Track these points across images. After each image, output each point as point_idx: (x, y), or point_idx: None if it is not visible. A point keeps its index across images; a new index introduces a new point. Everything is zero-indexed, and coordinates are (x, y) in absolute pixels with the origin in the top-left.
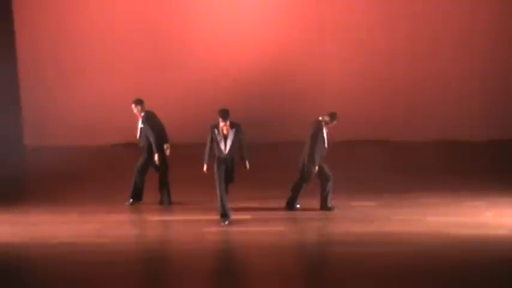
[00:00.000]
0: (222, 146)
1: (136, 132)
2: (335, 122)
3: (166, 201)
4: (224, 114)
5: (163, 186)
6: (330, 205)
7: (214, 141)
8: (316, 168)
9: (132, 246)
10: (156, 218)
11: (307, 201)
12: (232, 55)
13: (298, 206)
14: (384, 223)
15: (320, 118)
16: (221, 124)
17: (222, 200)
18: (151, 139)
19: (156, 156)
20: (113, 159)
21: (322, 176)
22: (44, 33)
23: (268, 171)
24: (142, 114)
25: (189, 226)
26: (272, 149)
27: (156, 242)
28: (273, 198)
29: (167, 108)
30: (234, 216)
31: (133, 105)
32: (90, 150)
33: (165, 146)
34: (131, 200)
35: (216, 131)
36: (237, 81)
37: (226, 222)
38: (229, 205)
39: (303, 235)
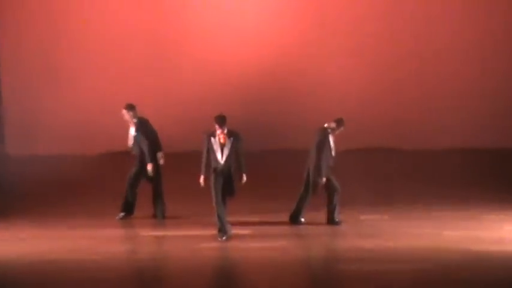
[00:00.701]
0: (219, 156)
1: (128, 140)
2: (342, 129)
3: (160, 215)
4: (221, 121)
5: (157, 198)
6: (337, 219)
7: (210, 151)
8: (324, 179)
9: (124, 264)
10: (150, 233)
11: (313, 215)
12: (230, 57)
13: (302, 220)
14: (396, 238)
15: (326, 125)
16: (218, 132)
17: (219, 214)
18: (145, 148)
19: (149, 166)
20: (103, 169)
21: (329, 188)
22: (30, 32)
23: (270, 181)
24: (135, 120)
25: (184, 242)
26: (274, 157)
27: (150, 259)
28: (275, 211)
29: (161, 113)
30: (233, 231)
31: (124, 111)
32: (79, 159)
33: (159, 155)
34: (122, 213)
35: (212, 140)
36: (235, 84)
37: (224, 238)
38: (227, 219)
39: (308, 251)
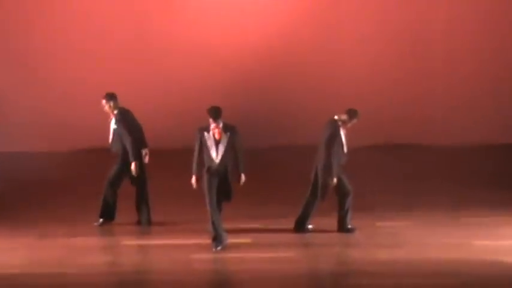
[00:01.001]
0: (213, 154)
1: (109, 135)
2: (355, 121)
3: (145, 221)
4: (215, 113)
5: (142, 202)
6: (349, 226)
7: (203, 148)
8: (335, 180)
9: (103, 278)
10: (133, 241)
11: (322, 221)
12: (228, 41)
13: (310, 227)
14: (417, 248)
15: (336, 117)
16: (212, 126)
17: (214, 220)
18: (127, 144)
19: (133, 165)
20: (79, 168)
21: (341, 191)
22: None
23: (273, 182)
24: (116, 112)
25: (173, 252)
26: (276, 155)
27: (133, 272)
28: (278, 217)
29: (147, 105)
30: (229, 239)
31: (103, 101)
32: (53, 157)
33: (144, 152)
34: (101, 219)
35: (205, 135)
36: (234, 72)
37: (219, 248)
38: (223, 226)
39: (316, 263)
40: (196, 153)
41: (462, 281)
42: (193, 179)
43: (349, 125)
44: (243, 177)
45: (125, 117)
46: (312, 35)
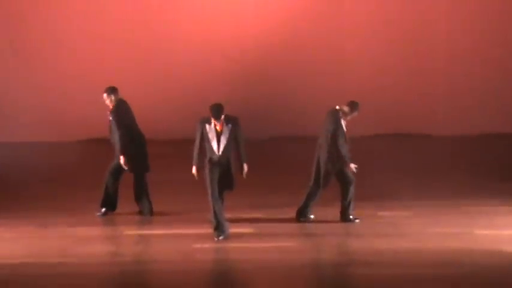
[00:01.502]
0: (215, 146)
1: (108, 126)
2: (355, 114)
3: (147, 211)
4: (217, 112)
5: (141, 192)
6: (351, 216)
7: (205, 139)
8: (352, 165)
9: (104, 268)
10: (134, 231)
11: (324, 211)
12: (229, 29)
13: (311, 216)
14: (419, 238)
15: (337, 107)
16: (213, 123)
17: (215, 210)
18: (116, 137)
19: (121, 159)
20: (81, 158)
21: (343, 180)
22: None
23: (274, 173)
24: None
25: (175, 242)
26: (278, 146)
27: (135, 262)
28: (280, 206)
29: (147, 95)
30: (231, 229)
31: (105, 95)
32: (52, 147)
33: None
34: (103, 209)
35: (207, 127)
36: (235, 62)
37: (221, 237)
38: (225, 216)
39: (318, 253)
40: (197, 144)
41: (464, 271)
42: (194, 169)
43: (349, 117)
44: (245, 167)
45: (118, 110)
46: (314, 28)
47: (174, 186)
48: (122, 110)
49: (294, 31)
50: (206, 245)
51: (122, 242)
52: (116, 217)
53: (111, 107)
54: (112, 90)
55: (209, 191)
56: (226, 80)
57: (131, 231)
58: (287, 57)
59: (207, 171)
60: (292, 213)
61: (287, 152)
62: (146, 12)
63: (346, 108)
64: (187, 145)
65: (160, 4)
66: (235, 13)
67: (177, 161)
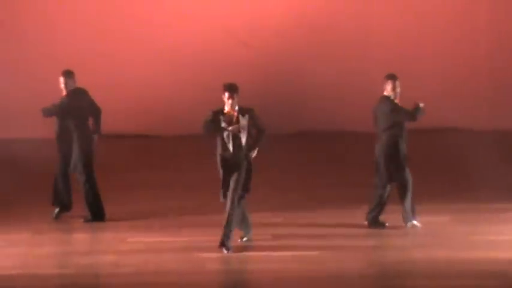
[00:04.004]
0: (230, 145)
1: None
2: (398, 83)
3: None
4: (231, 87)
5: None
6: (380, 221)
7: (217, 133)
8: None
9: (105, 280)
10: (138, 239)
11: (351, 213)
12: (242, 12)
13: (415, 222)
14: (460, 245)
15: (385, 93)
16: (227, 107)
17: (230, 216)
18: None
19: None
20: None
21: (401, 179)
22: None
23: (295, 170)
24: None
25: (183, 250)
26: (299, 141)
27: (137, 274)
28: (303, 209)
29: (147, 82)
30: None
31: (61, 79)
32: (46, 144)
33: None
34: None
35: (222, 119)
36: (249, 47)
37: (245, 239)
38: (248, 219)
39: (345, 263)
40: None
41: (508, 281)
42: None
43: (398, 89)
44: (255, 151)
45: (73, 98)
46: (337, 11)
47: (183, 188)
48: (77, 99)
49: (318, 15)
50: (217, 254)
51: (124, 251)
52: (119, 223)
53: (64, 93)
54: (68, 74)
55: (230, 195)
56: (241, 70)
57: (135, 238)
58: (313, 43)
59: (220, 169)
60: (314, 217)
61: (312, 148)
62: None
63: (389, 87)
64: (199, 143)
65: None
66: (256, 3)
67: (187, 158)
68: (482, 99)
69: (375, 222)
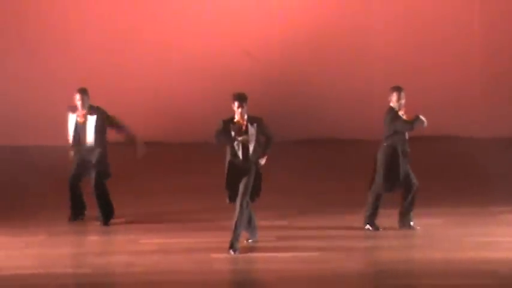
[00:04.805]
0: (239, 152)
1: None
2: (403, 95)
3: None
4: (240, 96)
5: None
6: (368, 226)
7: (227, 141)
8: (424, 120)
9: (119, 279)
10: (151, 240)
11: (351, 217)
12: (247, 24)
13: (411, 223)
14: (455, 247)
15: (391, 104)
16: (236, 116)
17: (238, 220)
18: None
19: None
20: None
21: (408, 183)
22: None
23: (299, 176)
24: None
25: (192, 251)
26: (302, 148)
27: (149, 273)
28: (307, 212)
29: (154, 95)
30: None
31: (77, 96)
32: (59, 151)
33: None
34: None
35: (231, 128)
36: (253, 57)
37: (251, 240)
38: (254, 222)
39: (345, 263)
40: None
41: (501, 281)
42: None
43: (402, 101)
44: (264, 158)
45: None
46: (340, 24)
47: (193, 192)
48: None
49: (323, 27)
50: (224, 255)
51: (137, 252)
52: (132, 225)
53: (84, 111)
54: (85, 91)
55: (240, 198)
56: (245, 79)
57: (147, 240)
58: (317, 54)
59: (229, 174)
60: (317, 220)
61: (319, 155)
62: (165, 8)
63: (394, 98)
64: (208, 150)
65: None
66: (260, 13)
67: (198, 164)
68: (480, 108)
69: (371, 222)
